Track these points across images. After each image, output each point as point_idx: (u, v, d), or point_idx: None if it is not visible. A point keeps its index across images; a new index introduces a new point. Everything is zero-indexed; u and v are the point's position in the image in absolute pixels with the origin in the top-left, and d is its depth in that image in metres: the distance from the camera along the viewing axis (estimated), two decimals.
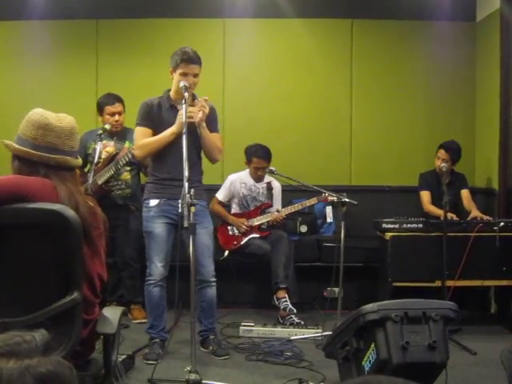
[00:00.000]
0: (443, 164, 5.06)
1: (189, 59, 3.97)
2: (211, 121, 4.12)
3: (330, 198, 4.85)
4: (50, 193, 2.22)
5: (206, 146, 4.06)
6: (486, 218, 4.92)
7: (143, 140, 4.06)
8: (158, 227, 4.08)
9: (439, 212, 4.97)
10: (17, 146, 2.29)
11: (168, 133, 3.98)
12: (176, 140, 3.87)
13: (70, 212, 2.13)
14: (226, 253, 5.20)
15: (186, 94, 3.81)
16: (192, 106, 3.94)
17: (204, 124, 3.98)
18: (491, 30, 5.49)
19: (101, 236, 2.37)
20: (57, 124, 2.30)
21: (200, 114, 3.90)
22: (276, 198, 5.44)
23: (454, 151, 5.22)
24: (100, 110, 5.07)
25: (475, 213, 5.07)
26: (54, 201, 2.19)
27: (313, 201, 5.14)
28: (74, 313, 2.14)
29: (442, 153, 5.21)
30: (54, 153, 2.28)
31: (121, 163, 4.81)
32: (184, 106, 3.76)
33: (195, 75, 3.98)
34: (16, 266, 2.21)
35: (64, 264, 2.16)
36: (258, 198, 5.38)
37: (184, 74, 3.96)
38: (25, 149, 2.27)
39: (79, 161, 2.43)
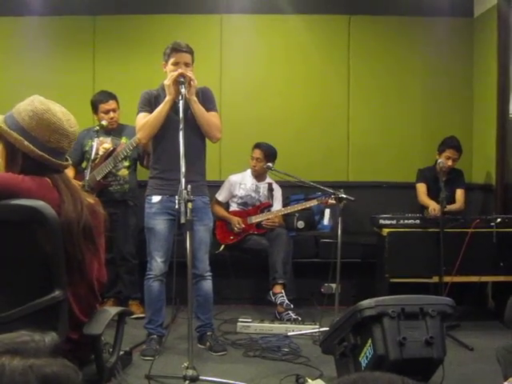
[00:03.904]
0: (454, 163, 5.17)
1: (178, 47, 3.98)
2: (206, 99, 4.10)
3: (330, 201, 4.83)
4: (48, 191, 2.16)
5: (201, 122, 4.01)
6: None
7: (142, 121, 4.04)
8: (160, 224, 4.08)
9: (430, 204, 5.09)
10: (35, 150, 2.17)
11: (162, 104, 3.96)
12: (176, 134, 3.82)
13: (48, 209, 2.07)
14: (222, 246, 5.20)
15: (183, 90, 3.80)
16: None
17: (195, 98, 3.95)
18: (488, 26, 5.49)
19: (100, 235, 2.29)
20: (69, 130, 2.24)
21: (192, 77, 3.87)
22: (276, 199, 5.45)
23: (460, 148, 5.24)
24: (94, 108, 5.07)
25: (453, 206, 5.14)
26: (55, 199, 2.14)
27: (312, 203, 5.15)
28: (57, 311, 2.09)
29: (452, 152, 5.18)
30: (61, 158, 2.24)
31: (119, 158, 4.81)
32: (181, 101, 3.74)
33: (186, 64, 3.97)
34: None
35: (44, 262, 2.11)
36: (258, 198, 5.38)
37: (175, 64, 3.96)
38: (42, 153, 2.17)
39: (69, 163, 2.35)
